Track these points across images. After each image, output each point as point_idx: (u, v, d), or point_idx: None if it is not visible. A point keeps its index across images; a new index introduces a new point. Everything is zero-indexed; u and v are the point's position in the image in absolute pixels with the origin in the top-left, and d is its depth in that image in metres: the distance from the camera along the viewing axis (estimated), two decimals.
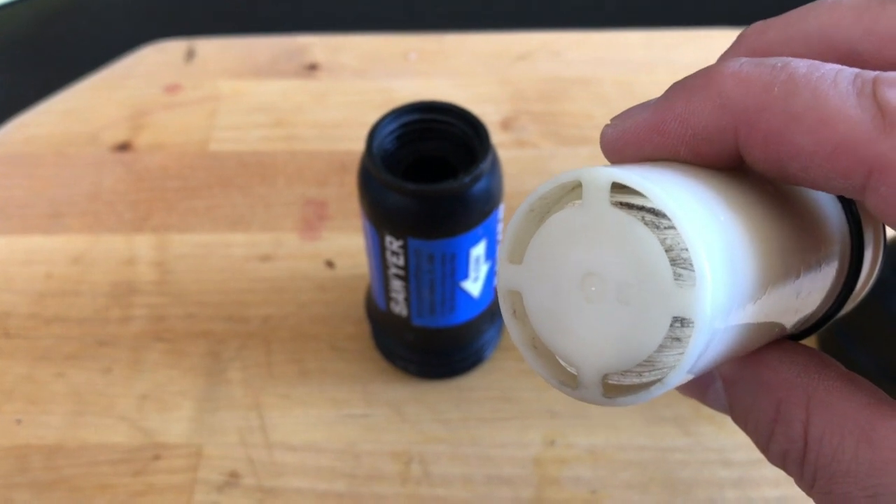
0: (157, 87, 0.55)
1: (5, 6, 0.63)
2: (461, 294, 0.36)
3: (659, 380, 0.15)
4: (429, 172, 0.35)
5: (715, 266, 0.14)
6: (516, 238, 0.17)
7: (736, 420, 0.18)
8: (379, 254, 0.35)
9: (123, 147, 0.51)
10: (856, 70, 0.15)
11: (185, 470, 0.38)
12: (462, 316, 0.38)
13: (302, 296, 0.44)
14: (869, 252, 0.20)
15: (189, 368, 0.41)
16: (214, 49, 0.57)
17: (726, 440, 0.39)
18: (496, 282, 0.18)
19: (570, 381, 0.17)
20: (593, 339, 0.16)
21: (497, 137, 0.51)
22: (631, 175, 0.15)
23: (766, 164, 0.16)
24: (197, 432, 0.39)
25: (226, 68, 0.56)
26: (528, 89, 0.55)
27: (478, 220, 0.34)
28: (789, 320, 0.18)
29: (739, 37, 0.19)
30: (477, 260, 0.35)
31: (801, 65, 0.15)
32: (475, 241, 0.34)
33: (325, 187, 0.49)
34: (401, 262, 0.35)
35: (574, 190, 0.17)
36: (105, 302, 0.44)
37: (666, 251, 0.15)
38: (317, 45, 0.57)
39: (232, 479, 0.38)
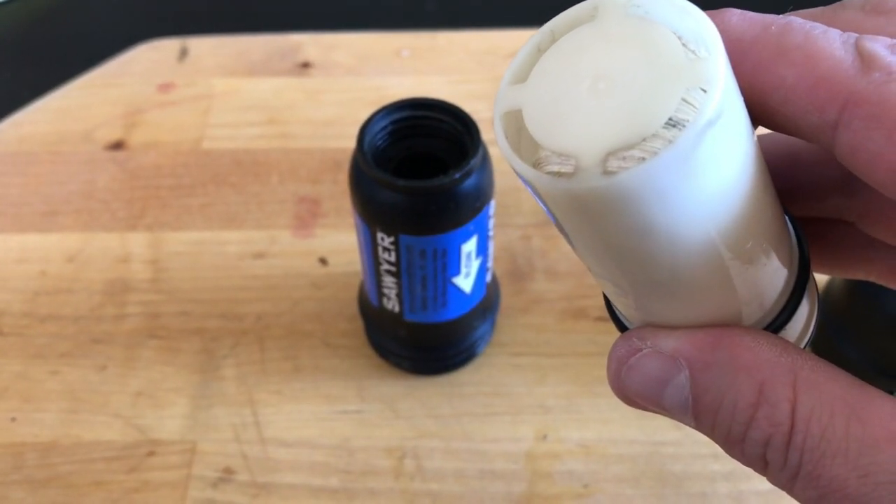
0: (150, 86, 0.55)
1: None
2: (453, 290, 0.37)
3: (666, 145, 0.14)
4: (420, 169, 0.35)
5: (726, 63, 0.15)
6: (521, 66, 0.17)
7: (701, 413, 0.17)
8: (371, 250, 0.35)
9: (117, 145, 0.51)
10: (842, 31, 0.16)
11: (179, 466, 0.38)
12: (454, 311, 0.38)
13: (295, 293, 0.44)
14: (806, 302, 0.19)
15: (183, 365, 0.42)
16: (208, 47, 0.57)
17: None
18: (494, 109, 0.17)
19: (564, 177, 0.15)
20: (596, 123, 0.15)
21: (489, 134, 0.51)
22: None
23: (748, 95, 0.16)
24: (191, 429, 0.39)
25: (219, 66, 0.56)
26: None
27: (469, 216, 0.34)
28: (748, 273, 0.17)
29: None
30: (468, 256, 0.36)
31: (800, 18, 0.16)
32: (466, 237, 0.35)
33: (318, 185, 0.49)
34: (392, 258, 0.35)
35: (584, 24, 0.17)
36: (99, 300, 0.44)
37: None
38: (310, 43, 0.57)
39: (226, 476, 0.38)
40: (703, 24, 0.15)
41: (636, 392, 0.18)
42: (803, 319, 0.19)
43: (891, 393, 0.39)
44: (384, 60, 0.56)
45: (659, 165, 0.14)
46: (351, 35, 0.58)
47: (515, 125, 0.16)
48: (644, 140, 0.14)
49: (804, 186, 0.21)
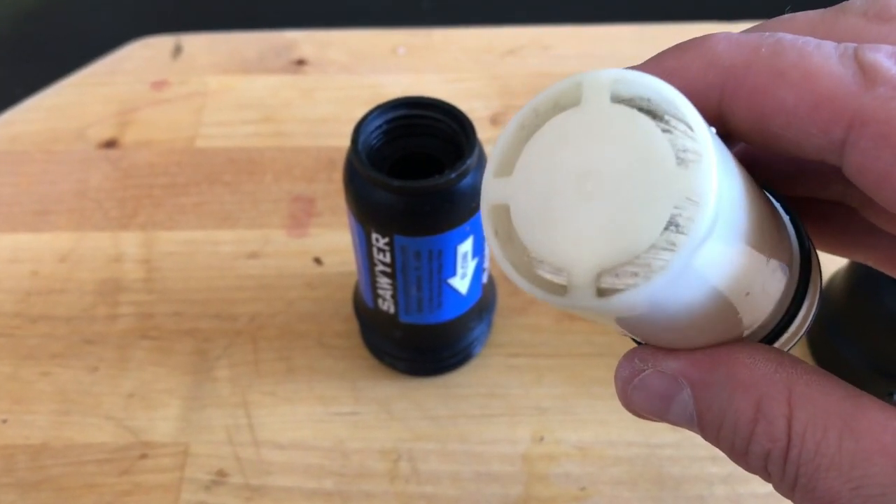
0: (144, 84, 0.54)
1: None
2: (448, 291, 0.36)
3: (658, 268, 0.14)
4: (415, 169, 0.34)
5: (718, 159, 0.14)
6: (504, 153, 0.16)
7: (706, 428, 0.18)
8: (365, 251, 0.35)
9: (110, 144, 0.51)
10: (836, 42, 0.16)
11: (171, 469, 0.38)
12: (450, 313, 0.37)
13: (290, 293, 0.44)
14: (810, 291, 0.19)
15: (176, 366, 0.41)
16: (202, 45, 0.57)
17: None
18: (481, 201, 0.17)
19: (557, 291, 0.16)
20: (586, 235, 0.15)
21: (486, 133, 0.51)
22: (634, 72, 0.15)
23: (748, 123, 0.16)
24: (184, 431, 0.39)
25: (213, 64, 0.55)
26: (517, 84, 0.54)
27: (465, 216, 0.34)
28: (749, 308, 0.17)
29: None
30: (464, 256, 0.35)
31: (788, 34, 0.16)
32: (462, 238, 0.34)
33: (312, 184, 0.49)
34: (387, 259, 0.34)
35: (567, 110, 0.16)
36: (91, 300, 0.44)
37: None
38: (304, 40, 0.57)
39: (219, 478, 0.37)
40: (690, 120, 0.15)
41: (643, 409, 0.19)
42: (803, 312, 0.19)
43: (889, 394, 0.38)
44: (380, 58, 0.56)
45: (652, 287, 0.14)
46: (346, 32, 0.58)
47: (504, 218, 0.16)
48: (636, 258, 0.15)
49: (807, 172, 0.21)
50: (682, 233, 0.14)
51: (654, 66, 0.17)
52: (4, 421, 0.39)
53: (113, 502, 0.37)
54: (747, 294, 0.17)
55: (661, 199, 0.14)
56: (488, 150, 0.35)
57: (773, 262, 0.17)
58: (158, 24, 0.59)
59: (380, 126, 0.34)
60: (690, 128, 0.15)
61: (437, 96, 0.35)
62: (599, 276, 0.15)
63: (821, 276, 0.20)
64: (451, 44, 0.57)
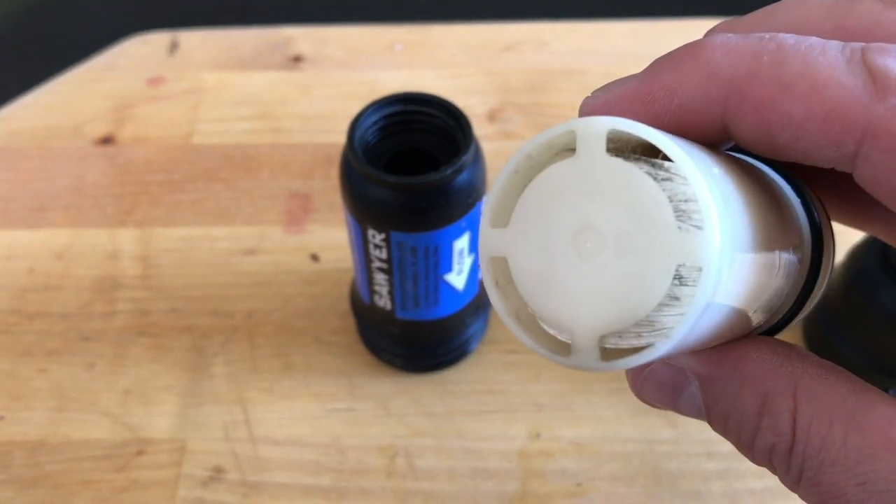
0: (140, 80, 0.54)
1: None
2: (445, 287, 0.36)
3: (662, 334, 0.14)
4: (411, 165, 0.34)
5: (720, 211, 0.14)
6: (500, 201, 0.16)
7: (714, 421, 0.18)
8: (362, 247, 0.35)
9: (107, 140, 0.51)
10: (842, 42, 0.15)
11: (169, 465, 0.38)
12: (446, 309, 0.37)
13: (287, 289, 0.44)
14: (825, 260, 0.19)
15: (173, 363, 0.41)
16: (198, 41, 0.57)
17: (712, 432, 0.38)
18: (479, 249, 0.17)
19: (561, 350, 0.16)
20: (588, 298, 0.15)
21: (483, 129, 0.51)
22: (631, 122, 0.14)
23: (755, 136, 0.16)
24: (181, 427, 0.39)
25: (210, 60, 0.55)
26: (514, 80, 0.54)
27: (461, 212, 0.33)
28: (760, 307, 0.17)
29: (707, 34, 0.19)
30: (460, 252, 0.35)
31: (789, 36, 0.15)
32: (458, 234, 0.34)
33: (309, 180, 0.49)
34: (384, 255, 0.34)
35: (560, 153, 0.16)
36: (88, 297, 0.44)
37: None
38: (301, 36, 0.57)
39: (216, 474, 0.37)
40: (686, 171, 0.14)
41: (654, 399, 0.19)
42: (817, 286, 0.19)
43: (886, 391, 0.39)
44: (377, 54, 0.56)
45: (657, 352, 0.14)
46: (343, 28, 0.58)
47: (504, 269, 0.16)
48: (638, 324, 0.15)
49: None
50: (687, 284, 0.14)
51: (651, 81, 0.17)
52: (1, 418, 0.39)
53: (110, 499, 0.37)
54: (759, 298, 0.17)
55: (663, 260, 0.14)
56: (485, 146, 0.35)
57: (784, 255, 0.17)
58: (154, 20, 0.59)
59: (376, 122, 0.34)
60: (688, 181, 0.14)
61: (433, 92, 0.34)
62: (602, 339, 0.15)
63: (833, 242, 0.20)
64: (448, 40, 0.57)
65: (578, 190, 0.15)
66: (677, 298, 0.14)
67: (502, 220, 0.16)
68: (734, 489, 0.37)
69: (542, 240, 0.15)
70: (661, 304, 0.14)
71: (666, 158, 0.14)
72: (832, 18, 0.16)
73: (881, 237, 0.22)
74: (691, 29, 0.58)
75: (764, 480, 0.37)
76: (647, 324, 0.15)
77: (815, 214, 0.19)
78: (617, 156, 0.15)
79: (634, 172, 0.14)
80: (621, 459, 0.38)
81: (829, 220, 0.20)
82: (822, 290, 0.19)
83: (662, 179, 0.14)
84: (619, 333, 0.15)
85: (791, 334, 0.42)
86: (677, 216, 0.14)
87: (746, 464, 0.39)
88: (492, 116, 0.52)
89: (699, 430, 0.38)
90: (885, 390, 0.38)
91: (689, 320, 0.14)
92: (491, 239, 0.16)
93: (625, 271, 0.14)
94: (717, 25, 0.19)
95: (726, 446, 0.38)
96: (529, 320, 0.16)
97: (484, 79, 0.54)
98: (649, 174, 0.14)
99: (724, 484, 0.37)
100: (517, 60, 0.56)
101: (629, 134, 0.15)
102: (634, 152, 0.15)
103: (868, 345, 0.38)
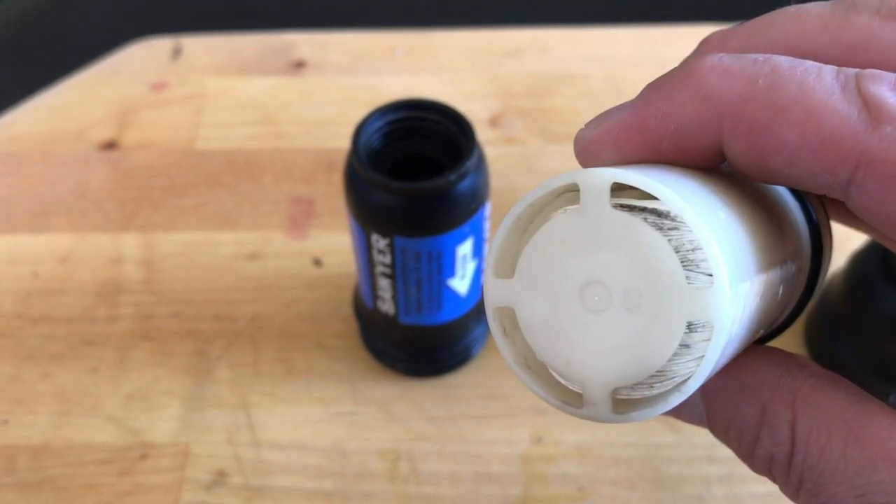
0: (143, 85, 0.54)
1: None
2: (448, 292, 0.36)
3: (674, 388, 0.14)
4: (415, 170, 0.35)
5: (729, 266, 0.14)
6: (503, 251, 0.16)
7: (715, 430, 0.18)
8: (365, 252, 0.35)
9: (110, 145, 0.51)
10: (836, 67, 0.15)
11: (172, 469, 0.38)
12: (449, 314, 0.38)
13: (289, 294, 0.44)
14: (824, 261, 0.19)
15: (176, 367, 0.41)
16: (201, 46, 0.57)
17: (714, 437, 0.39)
18: (484, 298, 0.17)
19: (573, 400, 0.16)
20: (599, 352, 0.15)
21: (485, 134, 0.51)
22: (634, 174, 0.14)
23: (748, 159, 0.16)
24: (184, 431, 0.39)
25: (212, 66, 0.56)
26: (516, 86, 0.54)
27: (464, 217, 0.34)
28: (763, 324, 0.17)
29: (700, 45, 0.19)
30: (464, 258, 0.35)
31: (783, 59, 0.15)
32: (462, 239, 0.34)
33: (312, 185, 0.49)
34: (387, 260, 0.35)
35: (562, 195, 0.16)
36: (91, 301, 0.44)
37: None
38: (303, 42, 0.57)
39: (219, 478, 0.38)
40: (690, 222, 0.14)
41: None
42: (818, 287, 0.19)
43: (886, 396, 0.39)
44: (378, 60, 0.56)
45: (670, 405, 0.15)
46: (345, 34, 0.58)
47: (511, 319, 0.16)
48: (650, 377, 0.15)
49: None
50: (697, 331, 0.14)
51: (644, 109, 0.16)
52: (5, 421, 0.40)
53: (113, 502, 0.37)
54: (763, 318, 0.17)
55: (674, 317, 0.14)
56: (487, 151, 0.36)
57: (784, 267, 0.17)
58: (158, 26, 0.59)
59: (380, 128, 0.34)
60: (693, 231, 0.14)
61: (435, 98, 0.35)
62: (614, 391, 0.15)
63: (831, 241, 0.20)
64: (449, 45, 0.57)
65: (584, 243, 0.15)
66: (688, 346, 0.14)
67: (505, 269, 0.16)
68: (736, 493, 0.37)
69: (549, 292, 0.15)
70: (673, 354, 0.14)
71: None
72: (829, 32, 0.16)
73: (882, 241, 0.22)
74: (692, 35, 0.58)
75: (766, 485, 0.37)
76: (658, 374, 0.15)
77: (814, 215, 0.19)
78: (622, 207, 0.15)
79: (640, 227, 0.14)
80: (623, 464, 0.38)
81: (828, 217, 0.20)
82: (821, 289, 0.20)
83: (669, 229, 0.14)
84: (631, 385, 0.15)
85: (792, 340, 0.42)
86: (685, 265, 0.14)
87: (748, 468, 0.39)
88: (493, 122, 0.52)
89: (701, 435, 0.39)
90: (886, 395, 0.38)
91: (701, 376, 0.14)
92: (496, 289, 0.16)
93: (635, 327, 0.14)
94: (710, 36, 0.18)
95: (728, 451, 0.38)
96: (539, 368, 0.16)
97: (485, 84, 0.55)
98: (655, 225, 0.14)
99: (726, 488, 0.37)
100: (519, 66, 0.56)
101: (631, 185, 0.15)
102: (638, 197, 0.15)
103: (869, 350, 0.38)
